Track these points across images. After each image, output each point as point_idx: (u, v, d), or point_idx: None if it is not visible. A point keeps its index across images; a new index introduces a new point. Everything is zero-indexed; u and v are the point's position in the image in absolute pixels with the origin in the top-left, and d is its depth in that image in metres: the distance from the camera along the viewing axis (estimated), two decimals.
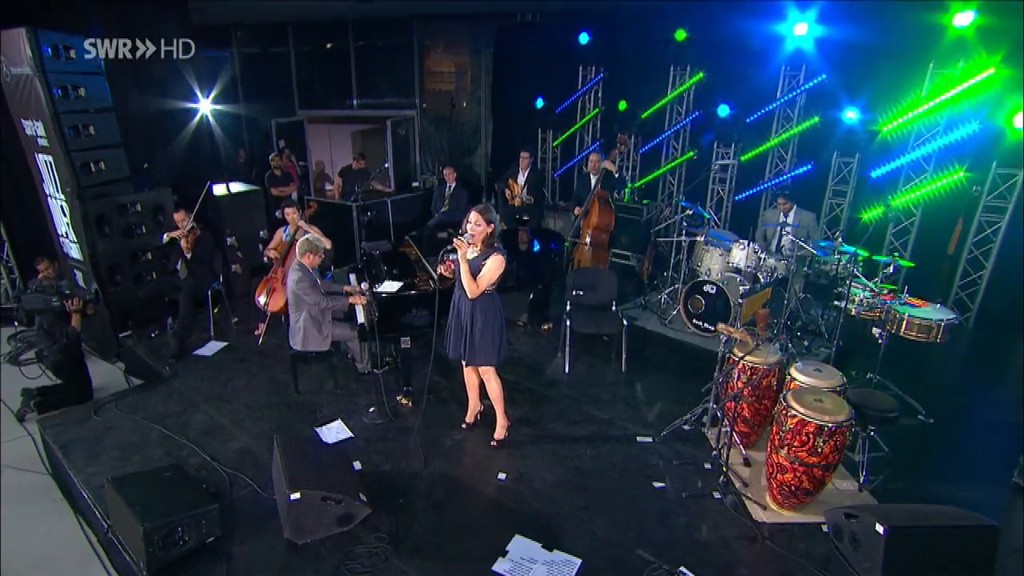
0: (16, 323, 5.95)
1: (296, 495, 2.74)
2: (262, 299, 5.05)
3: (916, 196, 5.47)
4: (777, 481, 2.99)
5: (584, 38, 7.45)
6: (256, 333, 5.14)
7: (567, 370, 4.58)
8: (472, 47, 8.76)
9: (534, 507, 3.14)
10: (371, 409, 4.01)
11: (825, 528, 2.90)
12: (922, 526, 2.51)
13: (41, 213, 5.53)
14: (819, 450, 2.82)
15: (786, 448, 2.89)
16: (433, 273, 3.95)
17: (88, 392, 4.56)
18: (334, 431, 3.81)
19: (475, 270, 3.21)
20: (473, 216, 3.22)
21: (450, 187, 7.08)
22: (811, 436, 2.81)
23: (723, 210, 6.91)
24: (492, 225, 3.23)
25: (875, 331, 3.97)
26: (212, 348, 5.01)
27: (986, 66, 4.83)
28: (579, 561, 2.74)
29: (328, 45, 9.17)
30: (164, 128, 6.97)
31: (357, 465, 3.42)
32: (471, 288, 3.20)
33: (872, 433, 3.28)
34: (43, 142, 4.94)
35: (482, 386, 3.68)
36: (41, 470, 3.83)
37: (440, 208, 7.05)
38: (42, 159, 5.10)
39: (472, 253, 3.23)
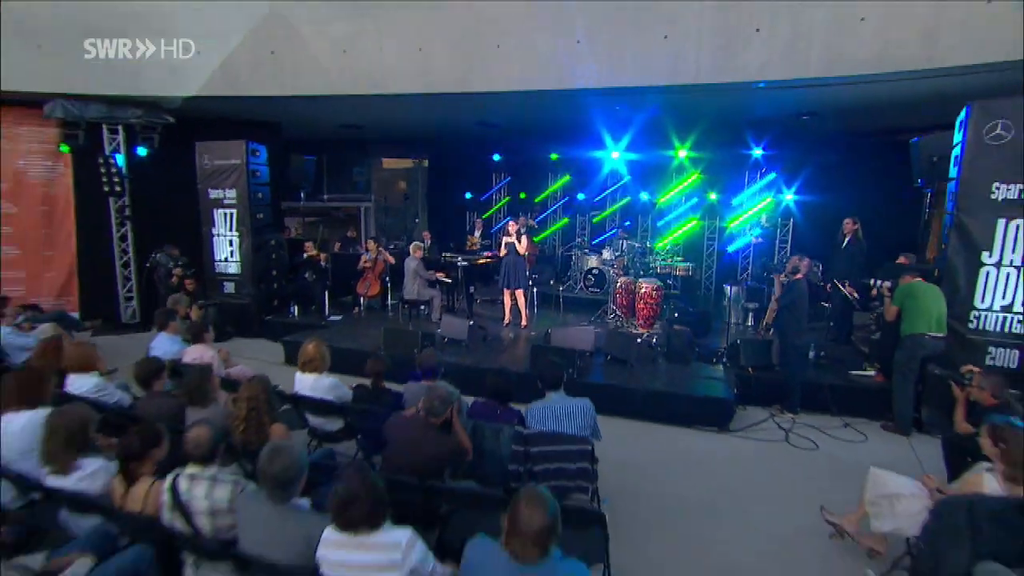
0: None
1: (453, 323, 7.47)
2: (362, 290, 9.47)
3: (679, 234, 11.95)
4: None
5: (497, 156, 13.37)
6: (356, 310, 9.47)
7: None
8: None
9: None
10: (471, 322, 8.62)
11: None
12: None
13: (201, 245, 9.33)
14: None
15: None
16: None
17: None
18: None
19: (513, 245, 8.32)
20: (511, 226, 8.41)
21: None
22: None
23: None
24: (520, 225, 8.48)
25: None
26: (335, 318, 9.19)
27: (694, 173, 11.56)
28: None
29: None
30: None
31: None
32: (520, 249, 8.29)
33: None
34: (229, 201, 9.04)
35: (513, 301, 8.65)
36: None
37: None
38: (221, 212, 9.13)
39: (511, 239, 8.36)
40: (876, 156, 9.96)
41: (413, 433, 3.23)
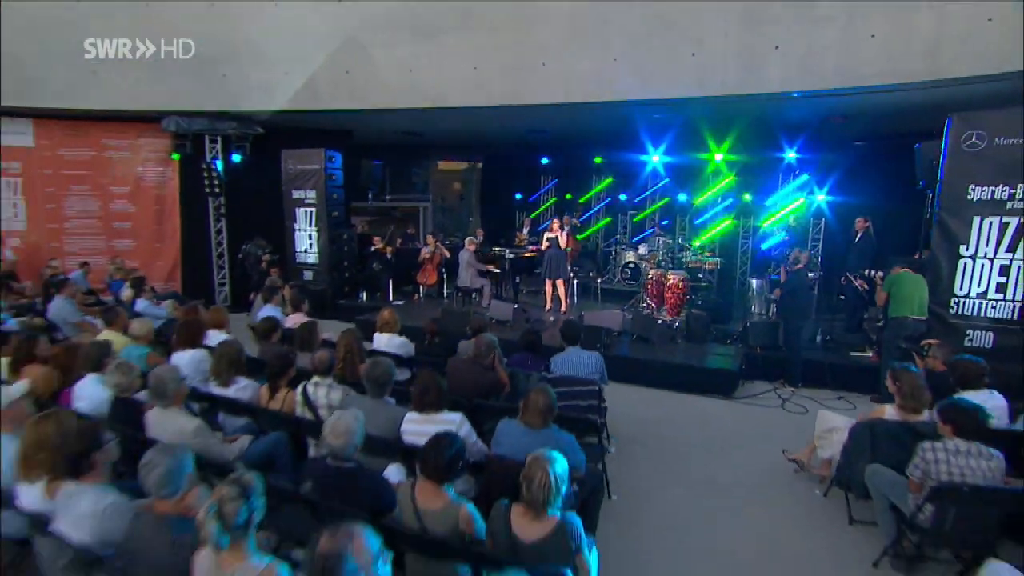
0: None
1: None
2: (422, 279, 10.82)
3: (713, 233, 12.79)
4: None
5: (545, 160, 14.53)
6: (415, 297, 10.83)
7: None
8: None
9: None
10: (515, 306, 9.82)
11: None
12: None
13: (284, 238, 10.90)
14: None
15: None
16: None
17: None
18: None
19: (556, 240, 9.46)
20: (555, 223, 9.55)
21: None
22: None
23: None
24: (566, 223, 9.61)
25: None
26: (398, 303, 10.57)
27: (729, 176, 12.39)
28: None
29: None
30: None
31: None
32: (562, 243, 9.42)
33: None
34: (309, 201, 10.55)
35: (554, 289, 9.77)
36: None
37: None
38: (302, 210, 10.65)
39: (553, 235, 9.50)
40: (892, 159, 10.55)
41: (466, 370, 4.43)
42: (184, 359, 4.68)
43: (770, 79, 7.93)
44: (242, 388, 4.18)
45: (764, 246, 12.19)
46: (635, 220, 14.00)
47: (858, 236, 8.34)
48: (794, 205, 11.70)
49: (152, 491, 2.24)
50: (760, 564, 3.61)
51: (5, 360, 4.27)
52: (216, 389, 4.22)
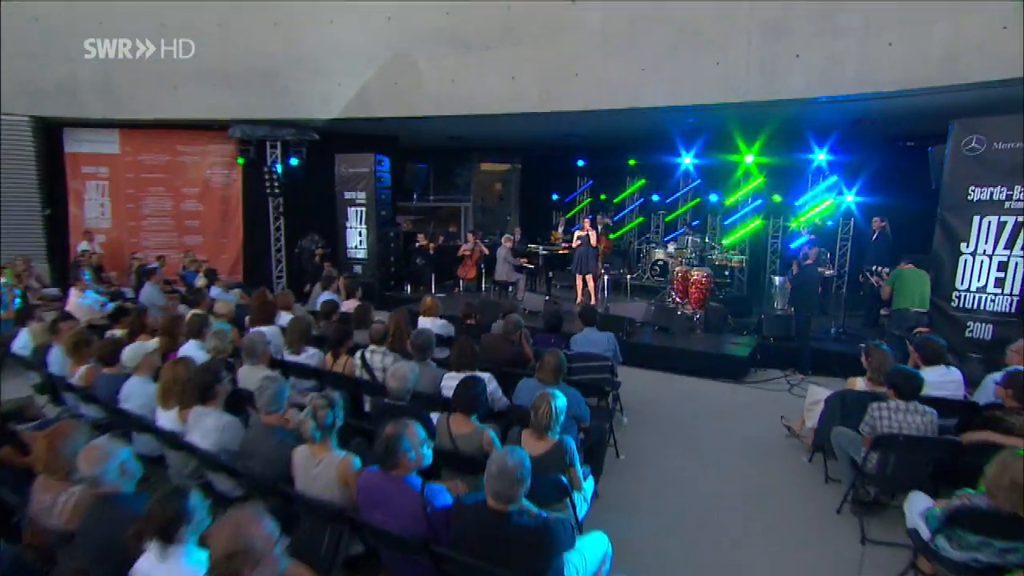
0: None
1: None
2: (462, 273, 11.70)
3: (742, 233, 13.25)
4: None
5: (580, 162, 15.24)
6: (456, 290, 11.72)
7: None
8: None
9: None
10: (547, 298, 10.58)
11: None
12: None
13: (336, 235, 11.94)
14: None
15: None
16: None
17: None
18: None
19: (586, 238, 10.17)
20: (586, 223, 10.27)
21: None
22: None
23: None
24: (599, 222, 10.33)
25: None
26: (439, 295, 11.46)
27: (759, 177, 12.85)
28: None
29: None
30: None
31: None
32: (592, 241, 10.15)
33: None
34: (360, 201, 11.56)
35: (584, 284, 10.50)
36: None
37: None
38: (353, 210, 11.67)
39: (584, 233, 10.22)
40: (915, 161, 10.84)
41: (496, 344, 5.23)
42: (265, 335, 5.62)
43: (791, 86, 8.49)
44: (310, 356, 5.07)
45: (793, 245, 12.59)
46: (667, 220, 14.58)
47: (875, 235, 8.78)
48: (823, 206, 12.09)
49: (263, 408, 3.11)
50: (743, 509, 4.29)
51: (121, 331, 5.30)
52: (289, 357, 5.12)
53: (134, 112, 10.98)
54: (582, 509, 3.21)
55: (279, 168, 11.88)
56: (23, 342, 5.25)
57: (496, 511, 2.32)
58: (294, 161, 12.06)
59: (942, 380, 4.24)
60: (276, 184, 11.74)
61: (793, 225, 12.49)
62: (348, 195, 11.71)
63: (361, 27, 10.13)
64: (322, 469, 2.73)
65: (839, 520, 4.05)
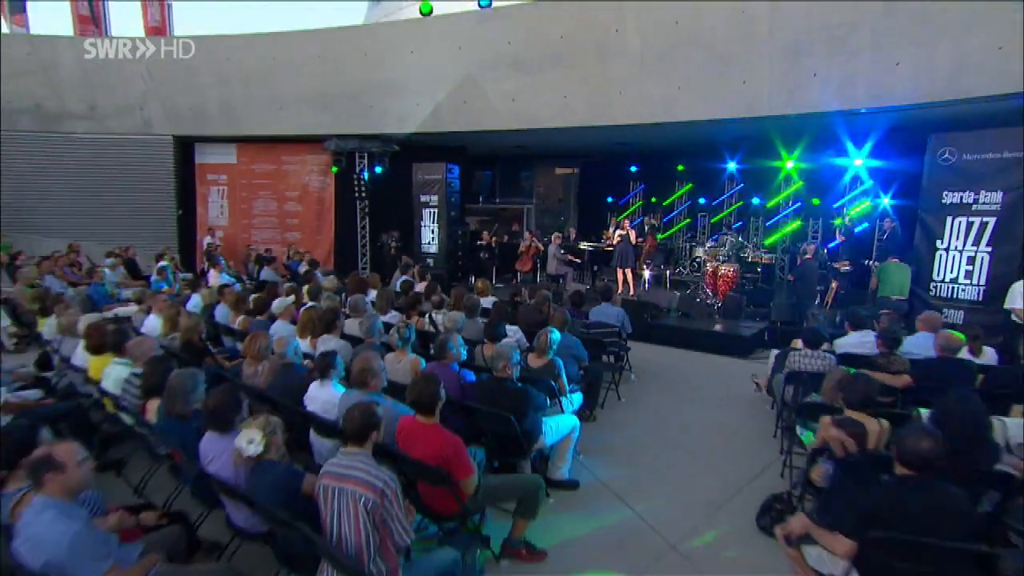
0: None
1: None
2: (519, 267, 13.51)
3: (783, 231, 14.34)
4: None
5: (633, 168, 16.74)
6: (514, 281, 13.53)
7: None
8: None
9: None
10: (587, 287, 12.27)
11: None
12: None
13: (412, 233, 14.05)
14: None
15: None
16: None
17: None
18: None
19: (626, 236, 11.72)
20: (626, 223, 11.84)
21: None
22: None
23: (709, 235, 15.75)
24: (634, 224, 11.88)
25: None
26: (500, 285, 13.32)
27: (798, 183, 13.92)
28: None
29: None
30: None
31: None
32: (632, 239, 11.70)
33: None
34: (432, 204, 13.61)
35: (624, 277, 12.04)
36: None
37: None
38: (427, 211, 13.73)
39: (623, 232, 11.77)
40: None
41: (528, 313, 6.98)
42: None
43: (809, 102, 9.75)
44: (392, 316, 7.00)
45: (831, 245, 13.59)
46: (712, 221, 15.84)
47: (886, 234, 9.88)
48: (859, 208, 13.05)
49: (364, 336, 5.02)
50: (705, 433, 5.84)
51: (254, 296, 7.45)
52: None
53: (248, 129, 13.50)
54: (568, 408, 4.90)
55: (366, 175, 14.10)
56: (195, 303, 7.49)
57: (498, 379, 4.07)
58: (378, 169, 14.26)
59: (862, 341, 5.63)
60: (363, 189, 13.97)
61: (837, 222, 13.52)
62: (423, 198, 13.78)
63: (436, 55, 12.14)
64: (402, 365, 4.58)
65: (773, 441, 5.53)
